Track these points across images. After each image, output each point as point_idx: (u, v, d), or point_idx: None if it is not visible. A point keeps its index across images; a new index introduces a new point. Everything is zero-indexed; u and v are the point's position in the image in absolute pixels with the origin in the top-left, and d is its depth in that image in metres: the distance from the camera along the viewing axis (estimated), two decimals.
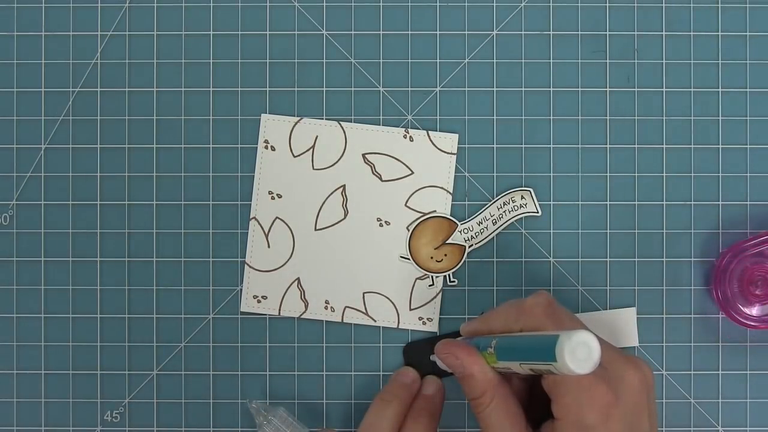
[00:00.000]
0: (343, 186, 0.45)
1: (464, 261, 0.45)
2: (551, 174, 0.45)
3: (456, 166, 0.45)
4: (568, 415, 0.35)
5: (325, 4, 0.45)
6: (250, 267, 0.45)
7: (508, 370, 0.36)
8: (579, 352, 0.31)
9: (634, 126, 0.45)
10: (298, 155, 0.45)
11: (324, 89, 0.45)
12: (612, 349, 0.37)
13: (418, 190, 0.45)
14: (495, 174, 0.45)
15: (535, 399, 0.39)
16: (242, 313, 0.45)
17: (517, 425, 0.37)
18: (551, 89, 0.45)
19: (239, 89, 0.45)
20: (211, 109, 0.45)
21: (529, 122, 0.45)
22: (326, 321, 0.45)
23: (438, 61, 0.45)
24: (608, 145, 0.45)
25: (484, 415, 0.37)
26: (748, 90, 0.45)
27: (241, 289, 0.45)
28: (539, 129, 0.45)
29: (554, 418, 0.35)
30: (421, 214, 0.45)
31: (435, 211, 0.45)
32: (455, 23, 0.45)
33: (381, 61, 0.45)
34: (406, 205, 0.45)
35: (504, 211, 0.45)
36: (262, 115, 0.45)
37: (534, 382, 0.38)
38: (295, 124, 0.45)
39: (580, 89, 0.45)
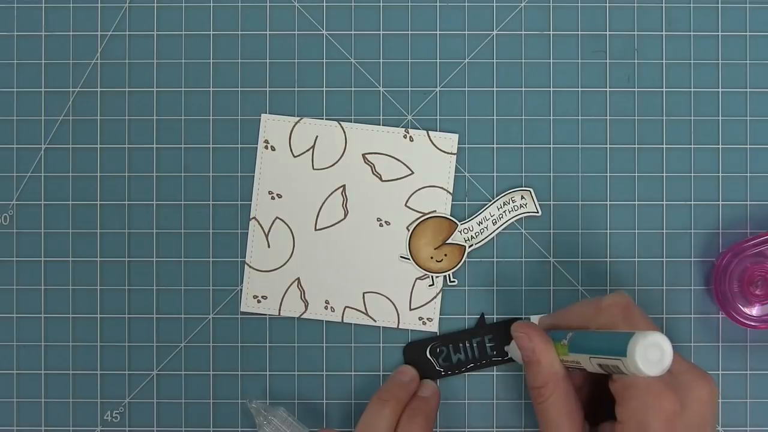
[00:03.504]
0: (343, 186, 0.45)
1: (464, 261, 0.45)
2: (551, 174, 0.45)
3: (456, 166, 0.45)
4: (632, 419, 0.35)
5: (325, 4, 0.45)
6: (250, 267, 0.45)
7: (577, 365, 0.36)
8: (651, 353, 0.31)
9: (634, 126, 0.45)
10: (298, 155, 0.45)
11: (324, 89, 0.45)
12: (684, 359, 0.37)
13: (418, 190, 0.45)
14: (495, 174, 0.45)
15: (595, 401, 0.39)
16: (242, 313, 0.45)
17: (573, 422, 0.37)
18: (551, 89, 0.45)
19: (239, 89, 0.45)
20: (211, 109, 0.45)
21: (529, 122, 0.45)
22: (326, 321, 0.45)
23: (438, 61, 0.45)
24: (608, 145, 0.45)
25: (543, 407, 0.37)
26: (748, 90, 0.45)
27: (241, 289, 0.45)
28: (539, 129, 0.45)
29: (617, 420, 0.35)
30: (421, 214, 0.45)
31: (435, 211, 0.45)
32: (455, 23, 0.45)
33: (381, 61, 0.45)
34: (406, 205, 0.45)
35: (504, 211, 0.45)
36: (262, 115, 0.45)
37: (598, 383, 0.38)
38: (295, 124, 0.45)
39: (580, 89, 0.45)
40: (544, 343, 0.38)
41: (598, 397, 0.38)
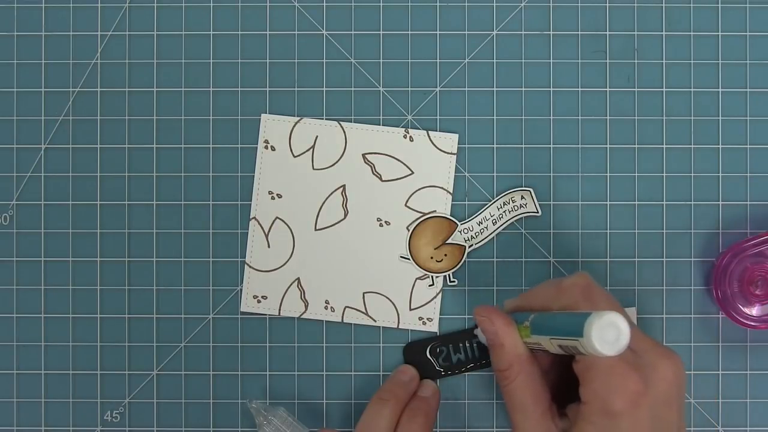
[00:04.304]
0: (343, 186, 0.45)
1: (464, 261, 0.45)
2: (551, 174, 0.45)
3: (456, 166, 0.45)
4: (595, 399, 0.34)
5: (325, 4, 0.45)
6: (250, 267, 0.45)
7: (539, 347, 0.36)
8: (607, 333, 0.30)
9: (634, 126, 0.45)
10: (298, 155, 0.45)
11: (324, 89, 0.45)
12: (648, 338, 0.37)
13: (418, 190, 0.45)
14: (495, 174, 0.45)
15: (563, 382, 0.39)
16: (242, 313, 0.45)
17: (539, 403, 0.37)
18: (551, 89, 0.45)
19: (239, 89, 0.45)
20: (211, 109, 0.45)
21: (529, 122, 0.45)
22: (326, 321, 0.45)
23: (438, 61, 0.45)
24: (608, 145, 0.45)
25: (509, 390, 0.37)
26: (748, 90, 0.45)
27: (241, 289, 0.45)
28: (539, 129, 0.45)
29: (581, 401, 0.35)
30: (421, 214, 0.45)
31: (435, 211, 0.45)
32: (455, 23, 0.45)
33: (381, 61, 0.45)
34: (406, 205, 0.45)
35: (504, 211, 0.45)
36: (262, 115, 0.45)
37: (566, 364, 0.38)
38: (295, 124, 0.45)
39: (580, 89, 0.45)
40: (506, 326, 0.38)
41: (567, 379, 0.38)
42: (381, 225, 0.45)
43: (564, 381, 0.39)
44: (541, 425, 0.37)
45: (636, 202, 0.45)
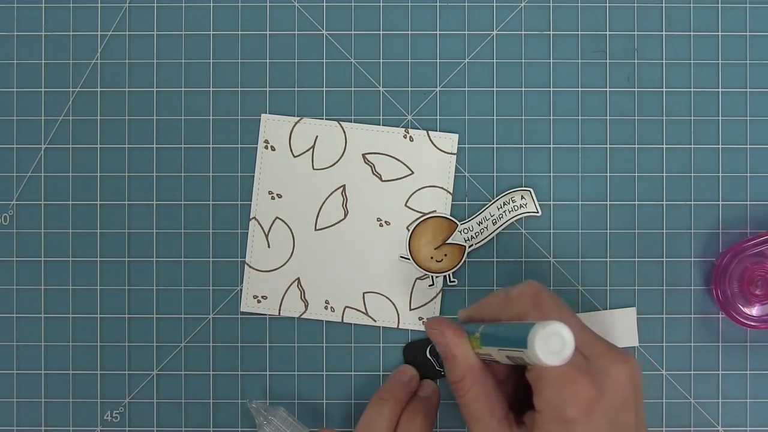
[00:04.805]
0: (343, 186, 0.45)
1: (464, 261, 0.45)
2: (551, 174, 0.45)
3: (456, 166, 0.45)
4: (548, 408, 0.34)
5: (325, 4, 0.45)
6: (250, 267, 0.45)
7: (490, 357, 0.36)
8: (552, 343, 0.30)
9: (634, 126, 0.45)
10: (298, 155, 0.45)
11: (324, 89, 0.45)
12: (600, 342, 0.36)
13: (418, 190, 0.45)
14: (495, 174, 0.45)
15: (520, 390, 0.39)
16: (242, 313, 0.45)
17: (495, 413, 0.36)
18: (551, 89, 0.45)
19: (239, 89, 0.45)
20: (211, 109, 0.45)
21: (529, 122, 0.45)
22: (326, 321, 0.45)
23: (438, 61, 0.45)
24: (608, 145, 0.45)
25: (464, 401, 0.37)
26: (748, 90, 0.45)
27: (241, 289, 0.45)
28: (539, 129, 0.45)
29: (536, 410, 0.35)
30: (421, 214, 0.45)
31: (435, 211, 0.45)
32: (455, 23, 0.45)
33: (381, 61, 0.45)
34: (406, 205, 0.45)
35: (504, 211, 0.45)
36: (262, 115, 0.45)
37: (520, 373, 0.38)
38: (295, 124, 0.45)
39: (580, 89, 0.45)
40: (457, 338, 0.37)
41: (523, 387, 0.37)
42: (381, 225, 0.45)
43: (520, 389, 0.38)
44: None
45: (636, 202, 0.45)
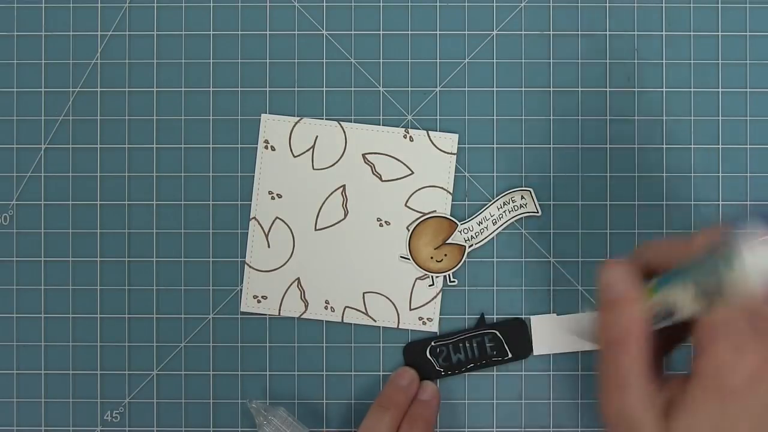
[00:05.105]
0: (343, 186, 0.45)
1: (464, 261, 0.45)
2: (551, 174, 0.45)
3: (456, 166, 0.45)
4: (706, 374, 0.30)
5: (325, 4, 0.45)
6: (250, 267, 0.45)
7: (664, 309, 0.32)
8: (761, 253, 0.26)
9: (634, 126, 0.45)
10: (298, 155, 0.45)
11: (324, 89, 0.45)
12: None
13: (418, 190, 0.45)
14: (495, 174, 0.45)
15: (657, 353, 0.34)
16: (242, 313, 0.45)
17: (654, 379, 0.31)
18: (551, 89, 0.45)
19: (239, 89, 0.45)
20: (211, 109, 0.45)
21: (529, 122, 0.45)
22: (326, 321, 0.45)
23: (438, 61, 0.45)
24: (608, 145, 0.45)
25: (622, 363, 0.31)
26: (748, 90, 0.45)
27: (241, 289, 0.45)
28: (539, 129, 0.45)
29: (692, 374, 0.30)
30: (421, 214, 0.45)
31: (435, 211, 0.45)
32: (455, 23, 0.45)
33: (381, 61, 0.45)
34: (406, 205, 0.45)
35: (504, 211, 0.45)
36: (262, 115, 0.45)
37: (662, 334, 0.33)
38: (295, 124, 0.45)
39: (580, 89, 0.45)
40: (633, 279, 0.32)
41: (659, 349, 0.33)
42: (381, 225, 0.45)
43: (657, 351, 0.34)
44: (642, 403, 0.31)
45: (636, 202, 0.45)
